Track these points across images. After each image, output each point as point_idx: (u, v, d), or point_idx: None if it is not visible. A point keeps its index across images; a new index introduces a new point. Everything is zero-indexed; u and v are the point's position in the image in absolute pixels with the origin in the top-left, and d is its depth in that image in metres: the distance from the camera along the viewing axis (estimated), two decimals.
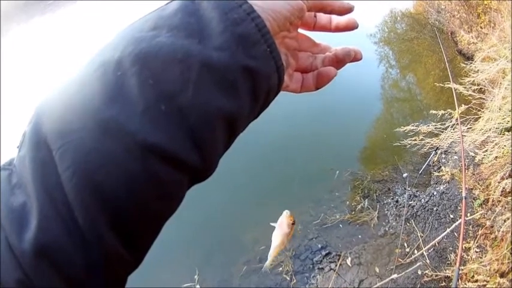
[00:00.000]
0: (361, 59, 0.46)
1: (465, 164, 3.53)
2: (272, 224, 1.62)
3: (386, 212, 4.05)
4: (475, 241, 3.26)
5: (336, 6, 0.41)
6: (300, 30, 0.44)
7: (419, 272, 3.26)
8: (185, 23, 0.32)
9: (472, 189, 3.80)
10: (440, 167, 4.44)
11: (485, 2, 5.64)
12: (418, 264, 3.23)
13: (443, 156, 4.58)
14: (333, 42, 0.48)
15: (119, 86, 0.29)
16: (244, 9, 0.33)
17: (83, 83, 0.30)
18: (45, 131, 0.29)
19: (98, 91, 0.29)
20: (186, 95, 0.30)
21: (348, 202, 4.24)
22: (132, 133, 0.28)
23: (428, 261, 3.33)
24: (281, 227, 1.59)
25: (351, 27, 0.45)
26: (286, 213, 1.60)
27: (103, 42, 0.33)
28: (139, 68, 0.29)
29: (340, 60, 0.45)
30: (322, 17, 0.45)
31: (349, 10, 0.42)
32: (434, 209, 3.91)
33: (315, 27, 0.45)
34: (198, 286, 3.51)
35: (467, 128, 4.30)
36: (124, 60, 0.30)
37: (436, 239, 3.38)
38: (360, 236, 3.83)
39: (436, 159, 4.54)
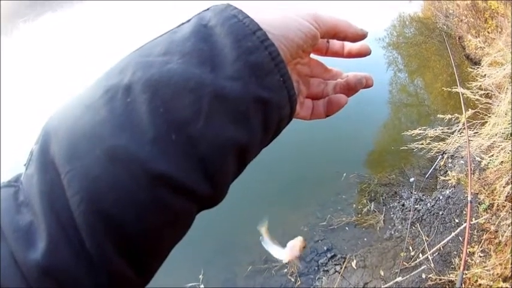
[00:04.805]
0: (372, 85, 0.45)
1: (471, 169, 3.53)
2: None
3: (392, 215, 4.04)
4: (480, 246, 3.24)
5: (350, 33, 0.40)
6: (312, 55, 0.43)
7: (424, 276, 3.24)
8: (198, 49, 0.31)
9: (477, 193, 3.77)
10: (447, 171, 4.42)
11: (493, 7, 5.62)
12: (422, 267, 3.24)
13: (449, 160, 4.56)
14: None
15: (128, 112, 0.29)
16: (258, 36, 0.32)
17: (89, 107, 0.30)
18: (53, 153, 0.29)
19: (105, 117, 0.29)
20: (197, 124, 0.29)
21: (354, 205, 4.24)
22: (141, 162, 0.28)
23: (432, 265, 3.31)
24: (292, 250, 1.61)
25: (364, 53, 0.44)
26: (299, 238, 1.63)
27: (108, 64, 0.33)
28: (150, 95, 0.29)
29: (351, 88, 0.45)
30: (335, 43, 0.44)
31: (362, 37, 0.42)
32: (440, 213, 3.90)
33: (327, 52, 0.45)
34: (202, 286, 3.52)
35: (474, 133, 4.27)
36: (134, 86, 0.29)
37: (441, 243, 3.37)
38: (365, 239, 3.83)
39: (442, 163, 4.51)
